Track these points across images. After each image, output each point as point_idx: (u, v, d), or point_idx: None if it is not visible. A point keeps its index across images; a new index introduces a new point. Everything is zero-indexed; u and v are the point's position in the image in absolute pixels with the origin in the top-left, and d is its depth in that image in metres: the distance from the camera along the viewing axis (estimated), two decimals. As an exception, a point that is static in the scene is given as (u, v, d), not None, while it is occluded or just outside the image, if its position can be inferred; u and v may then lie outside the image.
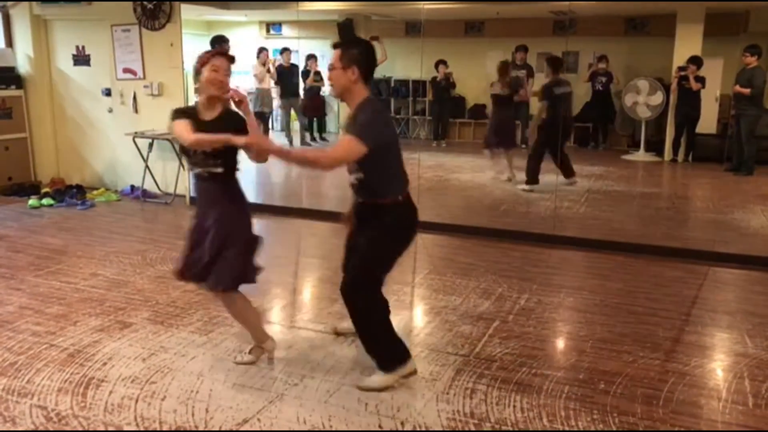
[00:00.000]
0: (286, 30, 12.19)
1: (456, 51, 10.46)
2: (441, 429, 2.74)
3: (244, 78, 11.11)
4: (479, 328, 3.77)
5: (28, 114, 7.78)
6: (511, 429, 2.75)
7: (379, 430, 2.73)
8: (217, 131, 2.90)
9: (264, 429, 2.73)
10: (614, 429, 2.76)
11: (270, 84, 10.16)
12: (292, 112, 10.89)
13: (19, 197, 7.16)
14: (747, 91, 8.17)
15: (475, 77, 10.21)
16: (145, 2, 6.90)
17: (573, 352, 3.50)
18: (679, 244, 5.42)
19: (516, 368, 3.27)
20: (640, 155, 9.70)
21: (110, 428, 2.72)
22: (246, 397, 2.96)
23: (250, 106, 3.13)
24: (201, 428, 2.72)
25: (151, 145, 6.98)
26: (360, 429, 2.73)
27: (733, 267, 4.98)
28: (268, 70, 10.02)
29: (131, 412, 2.84)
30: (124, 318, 3.88)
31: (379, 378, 3.02)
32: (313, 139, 11.11)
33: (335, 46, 2.98)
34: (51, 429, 2.72)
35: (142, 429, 2.72)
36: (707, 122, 9.39)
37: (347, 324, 3.29)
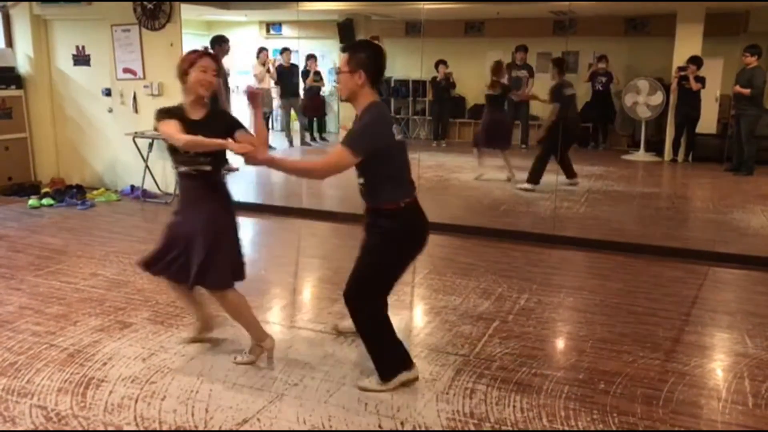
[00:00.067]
0: (286, 30, 12.20)
1: (456, 51, 10.48)
2: (441, 429, 2.74)
3: (244, 78, 11.13)
4: (479, 328, 3.77)
5: (28, 114, 7.78)
6: (510, 429, 2.75)
7: (379, 430, 2.73)
8: (207, 130, 2.94)
9: (264, 429, 2.72)
10: (614, 429, 2.76)
11: (270, 84, 10.17)
12: (292, 112, 10.90)
13: (19, 197, 7.16)
14: (747, 91, 8.18)
15: (475, 77, 10.21)
16: (145, 2, 6.90)
17: (573, 352, 3.50)
18: (679, 244, 5.42)
19: (516, 368, 3.27)
20: (640, 155, 9.71)
21: (110, 428, 2.72)
22: (246, 397, 2.96)
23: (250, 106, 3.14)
24: (201, 428, 2.72)
25: (151, 145, 6.98)
26: (360, 429, 2.73)
27: (733, 267, 4.98)
28: (268, 70, 10.03)
29: (131, 412, 2.84)
30: (124, 318, 3.88)
31: (378, 384, 3.02)
32: (313, 139, 11.12)
33: (344, 49, 2.97)
34: (51, 429, 2.72)
35: (141, 429, 2.72)
36: (707, 122, 9.40)
37: (348, 323, 3.29)
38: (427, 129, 11.26)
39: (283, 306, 4.25)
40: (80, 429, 2.72)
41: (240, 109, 11.44)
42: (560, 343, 3.71)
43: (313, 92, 11.00)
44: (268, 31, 12.45)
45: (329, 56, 11.53)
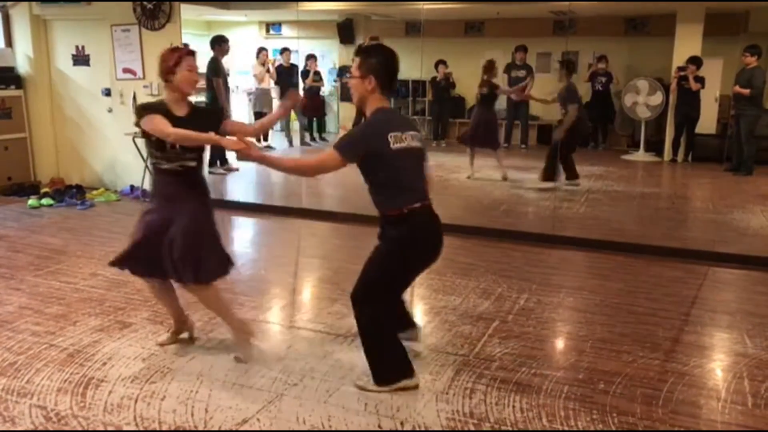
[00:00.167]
0: (285, 30, 12.20)
1: (456, 51, 10.47)
2: (440, 429, 2.74)
3: (243, 78, 11.13)
4: (479, 328, 3.77)
5: (27, 114, 7.77)
6: (510, 429, 2.75)
7: (379, 430, 2.73)
8: (192, 127, 2.99)
9: (263, 429, 2.72)
10: (613, 429, 2.76)
11: (270, 84, 10.16)
12: (292, 112, 10.89)
13: (18, 197, 7.16)
14: (746, 91, 8.18)
15: (475, 77, 10.14)
16: (144, 2, 6.90)
17: (572, 352, 3.50)
18: (678, 244, 5.42)
19: (515, 368, 3.27)
20: (640, 155, 9.71)
21: (110, 428, 2.72)
22: (245, 397, 2.96)
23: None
24: (200, 428, 2.72)
25: (150, 145, 6.97)
26: (359, 429, 2.73)
27: (732, 267, 4.98)
28: (268, 70, 10.03)
29: (131, 412, 2.84)
30: (123, 318, 3.88)
31: (372, 385, 3.02)
32: (313, 139, 11.12)
33: (356, 53, 2.94)
34: (50, 429, 2.72)
35: (141, 429, 2.72)
36: (707, 122, 9.40)
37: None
38: (427, 129, 11.24)
39: (282, 306, 4.25)
40: (80, 429, 2.72)
41: (240, 109, 11.49)
42: (560, 343, 3.71)
43: (313, 92, 11.00)
44: (267, 31, 12.45)
45: (329, 56, 11.53)
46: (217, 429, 2.72)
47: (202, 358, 3.35)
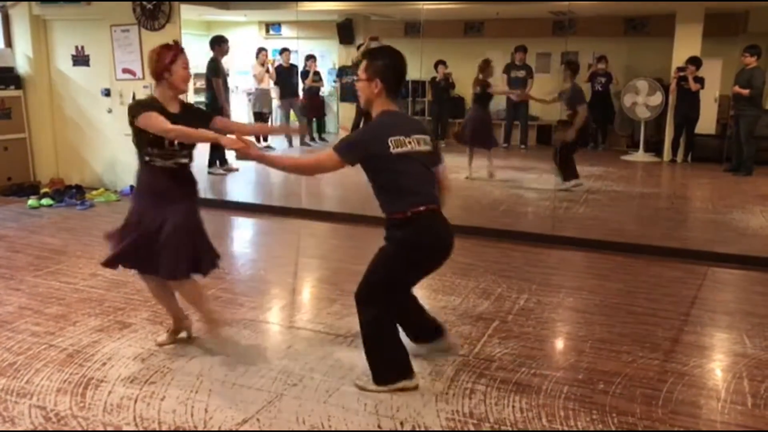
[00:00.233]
0: (285, 30, 12.19)
1: (455, 51, 10.47)
2: (440, 429, 2.74)
3: (243, 78, 11.13)
4: (478, 328, 3.77)
5: (27, 114, 7.77)
6: (510, 429, 2.75)
7: (378, 430, 2.73)
8: (185, 123, 3.03)
9: (263, 429, 2.72)
10: (613, 429, 2.76)
11: (269, 84, 10.16)
12: (292, 112, 10.89)
13: (18, 197, 7.16)
14: (746, 91, 8.18)
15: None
16: (144, 2, 6.90)
17: (572, 353, 3.50)
18: (678, 244, 5.42)
19: (515, 368, 3.27)
20: (640, 155, 9.72)
21: (109, 428, 2.72)
22: (245, 397, 2.96)
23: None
24: (200, 428, 2.72)
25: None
26: (359, 429, 2.73)
27: (732, 267, 4.98)
28: (267, 71, 10.02)
29: (130, 412, 2.84)
30: (123, 318, 3.88)
31: (373, 387, 3.02)
32: (312, 139, 11.11)
33: (364, 55, 2.94)
34: (50, 429, 2.71)
35: (141, 429, 2.72)
36: (706, 123, 9.40)
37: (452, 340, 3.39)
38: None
39: (282, 306, 4.25)
40: (79, 429, 2.71)
41: (239, 109, 11.49)
42: (559, 344, 3.71)
43: (313, 92, 11.00)
44: (267, 31, 12.44)
45: (328, 56, 11.53)
46: (216, 429, 2.72)
47: (201, 358, 3.35)
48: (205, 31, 11.42)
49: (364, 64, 2.89)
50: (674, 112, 9.36)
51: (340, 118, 11.53)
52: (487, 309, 4.08)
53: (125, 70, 7.22)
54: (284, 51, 10.35)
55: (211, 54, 8.30)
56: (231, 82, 10.00)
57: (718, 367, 3.40)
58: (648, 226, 6.21)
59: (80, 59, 7.58)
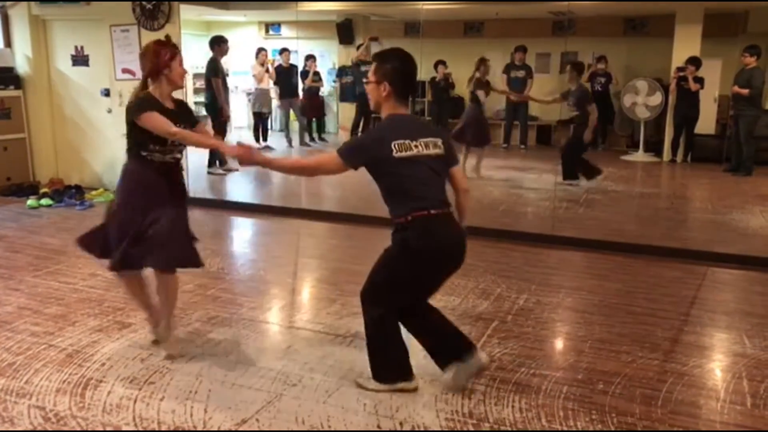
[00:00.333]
0: (285, 30, 12.19)
1: (455, 51, 10.47)
2: (439, 429, 2.74)
3: (243, 78, 11.13)
4: (478, 328, 3.77)
5: (26, 114, 7.77)
6: (509, 429, 2.75)
7: (378, 430, 2.73)
8: (179, 119, 3.11)
9: (262, 429, 2.72)
10: (613, 429, 2.76)
11: (269, 84, 10.16)
12: (291, 112, 10.90)
13: (17, 197, 7.16)
14: (745, 91, 8.18)
15: (475, 78, 10.20)
16: (144, 2, 6.90)
17: (571, 353, 3.50)
18: (677, 244, 5.42)
19: (515, 368, 3.27)
20: (639, 156, 9.71)
21: (108, 428, 2.72)
22: (244, 397, 2.96)
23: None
24: (200, 428, 2.72)
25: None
26: (359, 429, 2.73)
27: (731, 267, 4.98)
28: (267, 71, 10.02)
29: (130, 412, 2.84)
30: (122, 318, 3.87)
31: (373, 384, 3.02)
32: (312, 139, 11.11)
33: (374, 57, 2.91)
34: (49, 429, 2.71)
35: (140, 429, 2.72)
36: (706, 123, 9.40)
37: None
38: (426, 129, 11.24)
39: (281, 306, 4.25)
40: (79, 429, 2.71)
41: (239, 109, 11.49)
42: (559, 344, 3.71)
43: (312, 93, 10.99)
44: (267, 31, 12.44)
45: (328, 56, 11.53)
46: (216, 429, 2.72)
47: (200, 358, 3.35)
48: (205, 31, 11.42)
49: (373, 66, 2.86)
50: (674, 112, 9.36)
51: (340, 118, 11.53)
52: (487, 309, 4.08)
53: (125, 70, 7.22)
54: (284, 51, 10.36)
55: (210, 54, 8.30)
56: (230, 82, 10.00)
57: (717, 367, 3.40)
58: (647, 226, 6.21)
59: (80, 59, 7.58)
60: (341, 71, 10.93)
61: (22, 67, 7.73)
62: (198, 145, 3.19)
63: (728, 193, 7.61)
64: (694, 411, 2.91)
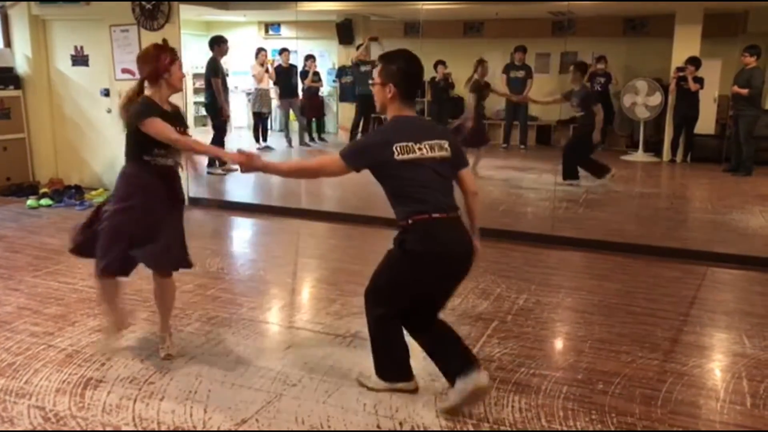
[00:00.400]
0: (284, 30, 12.19)
1: (455, 51, 10.47)
2: (439, 429, 2.74)
3: (243, 78, 11.13)
4: (478, 328, 3.77)
5: (26, 114, 7.77)
6: (509, 429, 2.75)
7: (378, 430, 2.73)
8: (176, 122, 3.13)
9: (262, 429, 2.72)
10: (612, 429, 2.76)
11: (269, 84, 10.16)
12: (291, 112, 10.90)
13: (17, 197, 7.16)
14: (745, 91, 8.18)
15: (474, 78, 10.19)
16: (143, 2, 6.90)
17: (571, 353, 3.50)
18: (677, 244, 5.42)
19: (514, 368, 3.27)
20: (639, 156, 9.71)
21: (108, 428, 2.72)
22: (244, 398, 2.96)
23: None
24: (199, 428, 2.72)
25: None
26: (358, 429, 2.73)
27: (731, 267, 4.98)
28: (267, 71, 10.02)
29: (129, 412, 2.84)
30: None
31: (374, 380, 3.03)
32: (312, 139, 11.11)
33: (379, 58, 2.89)
34: (49, 429, 2.71)
35: (140, 429, 2.72)
36: (706, 123, 9.40)
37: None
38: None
39: (281, 306, 4.25)
40: (78, 429, 2.71)
41: (239, 109, 11.48)
42: (559, 344, 3.71)
43: (312, 93, 10.99)
44: (266, 31, 12.44)
45: (328, 56, 11.53)
46: (215, 429, 2.72)
47: (200, 359, 3.35)
48: (205, 31, 11.42)
49: (378, 67, 2.84)
50: (673, 113, 9.36)
51: (340, 118, 11.53)
52: (487, 309, 4.08)
53: (124, 70, 7.21)
54: (283, 51, 10.36)
55: (210, 54, 8.29)
56: (230, 82, 9.99)
57: (717, 367, 3.40)
58: (647, 226, 6.21)
59: (79, 59, 7.58)
60: (341, 71, 10.93)
61: (21, 67, 7.72)
62: (199, 152, 3.25)
63: (728, 193, 7.61)
64: (693, 411, 2.91)
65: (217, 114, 8.36)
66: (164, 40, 3.20)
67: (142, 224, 3.10)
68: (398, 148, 2.72)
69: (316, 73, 10.93)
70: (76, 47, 7.55)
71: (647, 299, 4.27)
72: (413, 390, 3.01)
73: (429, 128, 2.95)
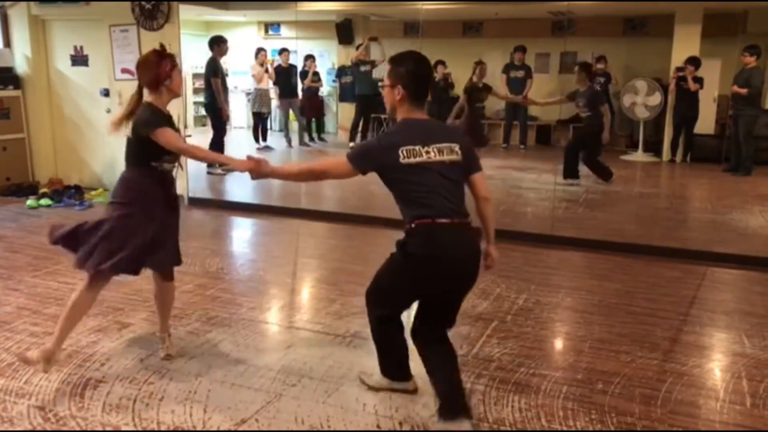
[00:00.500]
0: (284, 30, 12.20)
1: (454, 51, 10.47)
2: (439, 429, 2.73)
3: (242, 78, 11.13)
4: (478, 328, 3.77)
5: (26, 114, 7.77)
6: (509, 429, 2.75)
7: (378, 430, 2.73)
8: (174, 128, 3.15)
9: (262, 429, 2.72)
10: (612, 429, 2.76)
11: (268, 84, 10.17)
12: (291, 112, 10.90)
13: (17, 197, 7.16)
14: (744, 91, 8.19)
15: (474, 78, 10.19)
16: (143, 2, 6.90)
17: (571, 352, 3.50)
18: (677, 244, 5.42)
19: (514, 368, 3.27)
20: (639, 155, 9.72)
21: (108, 428, 2.72)
22: (244, 398, 2.96)
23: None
24: (199, 428, 2.72)
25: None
26: (358, 429, 2.73)
27: (731, 267, 4.98)
28: (267, 71, 10.02)
29: (129, 412, 2.84)
30: (122, 318, 3.87)
31: (376, 377, 3.03)
32: (312, 139, 11.11)
33: (390, 60, 2.87)
34: (49, 429, 2.71)
35: (140, 429, 2.72)
36: (705, 123, 9.41)
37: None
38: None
39: (281, 306, 4.25)
40: (78, 429, 2.71)
41: (239, 109, 11.48)
42: (558, 344, 3.71)
43: (312, 93, 11.00)
44: (266, 31, 12.45)
45: (328, 56, 11.53)
46: (215, 429, 2.72)
47: (200, 359, 3.35)
48: (204, 31, 11.43)
49: (388, 69, 2.82)
50: (673, 112, 9.37)
51: (339, 118, 11.53)
52: (486, 309, 4.08)
53: (124, 70, 7.21)
54: (283, 51, 10.36)
55: (210, 54, 8.29)
56: (230, 82, 9.99)
57: (716, 366, 3.40)
58: (647, 226, 6.22)
59: (79, 59, 7.58)
60: (341, 71, 10.93)
61: (21, 67, 7.72)
62: (206, 160, 3.26)
63: (727, 193, 7.62)
64: (693, 411, 2.91)
65: (217, 114, 8.36)
66: (162, 46, 3.19)
67: (148, 230, 3.09)
68: (404, 152, 2.66)
69: (316, 73, 10.93)
70: (75, 47, 7.56)
71: (647, 299, 4.27)
72: (412, 390, 3.01)
73: (439, 131, 2.85)
